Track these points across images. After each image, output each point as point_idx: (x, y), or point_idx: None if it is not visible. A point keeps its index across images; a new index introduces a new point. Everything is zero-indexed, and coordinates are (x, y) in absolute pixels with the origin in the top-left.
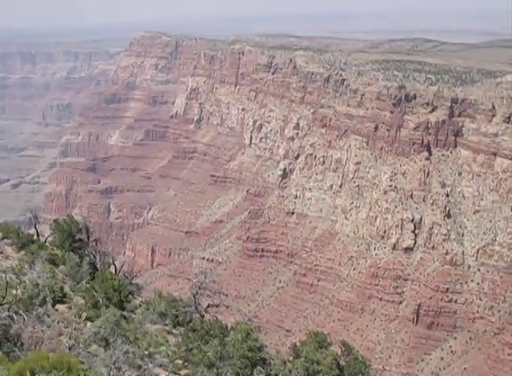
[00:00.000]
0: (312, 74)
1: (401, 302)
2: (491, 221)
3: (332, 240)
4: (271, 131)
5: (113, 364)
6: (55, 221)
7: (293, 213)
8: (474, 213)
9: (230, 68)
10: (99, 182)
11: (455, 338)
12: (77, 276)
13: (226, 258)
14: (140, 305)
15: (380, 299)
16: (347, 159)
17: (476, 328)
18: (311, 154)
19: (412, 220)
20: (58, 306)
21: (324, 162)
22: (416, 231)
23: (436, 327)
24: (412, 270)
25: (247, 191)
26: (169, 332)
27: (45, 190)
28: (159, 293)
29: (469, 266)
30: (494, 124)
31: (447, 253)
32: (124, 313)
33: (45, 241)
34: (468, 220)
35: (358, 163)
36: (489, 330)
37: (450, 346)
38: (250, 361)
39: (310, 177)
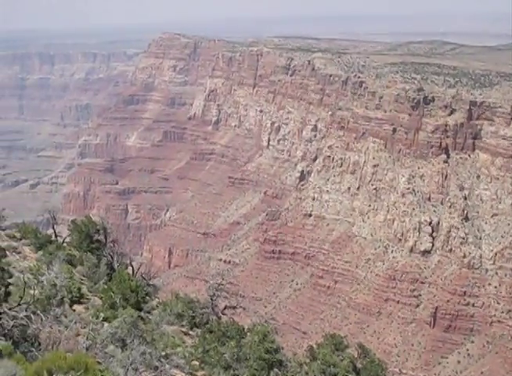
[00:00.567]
0: (331, 76)
1: (418, 305)
2: (509, 224)
3: (349, 242)
4: (289, 133)
5: (130, 365)
6: (73, 221)
7: (310, 215)
8: (491, 216)
9: (248, 70)
10: (117, 183)
11: (472, 342)
12: (95, 277)
13: (243, 259)
14: (157, 306)
15: (397, 302)
16: (364, 161)
17: (493, 332)
18: (328, 156)
19: (430, 223)
20: (75, 307)
21: (342, 164)
22: (434, 234)
23: (453, 331)
24: (430, 273)
25: (265, 193)
26: (186, 333)
27: (62, 191)
28: (176, 294)
29: (486, 270)
30: None
31: (464, 256)
32: (141, 314)
33: (63, 242)
34: (486, 223)
35: (375, 165)
36: (507, 334)
37: (467, 350)
38: (266, 363)
39: (328, 179)
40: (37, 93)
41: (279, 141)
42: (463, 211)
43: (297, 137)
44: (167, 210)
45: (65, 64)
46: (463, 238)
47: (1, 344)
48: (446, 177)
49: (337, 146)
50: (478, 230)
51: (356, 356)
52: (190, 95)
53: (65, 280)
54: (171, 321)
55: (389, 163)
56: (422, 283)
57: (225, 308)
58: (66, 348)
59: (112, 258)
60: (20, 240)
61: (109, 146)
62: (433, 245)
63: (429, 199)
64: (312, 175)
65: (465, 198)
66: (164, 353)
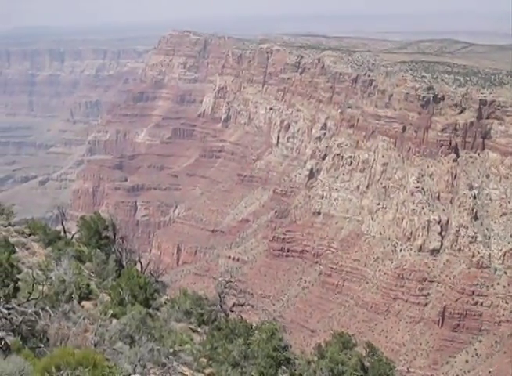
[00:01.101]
0: (340, 74)
1: (426, 304)
2: None
3: (358, 240)
4: (298, 131)
5: (138, 362)
6: (82, 218)
7: (319, 213)
8: (501, 216)
9: (258, 67)
10: (126, 179)
11: (480, 341)
12: (104, 274)
13: (252, 257)
14: (165, 303)
15: (406, 301)
16: (374, 160)
17: (501, 331)
18: (338, 155)
19: (439, 222)
20: (84, 303)
21: (351, 163)
22: (443, 233)
23: (461, 330)
24: (438, 272)
25: (274, 191)
26: (194, 330)
27: (72, 187)
28: (184, 291)
29: (495, 269)
30: None
31: (473, 255)
32: (150, 311)
33: (72, 238)
34: (495, 223)
35: (385, 164)
36: None
37: (475, 349)
38: (274, 361)
39: (337, 177)
40: (47, 90)
41: (288, 139)
42: (473, 210)
43: (307, 135)
44: (176, 207)
45: (75, 61)
46: (472, 237)
47: (9, 339)
48: (455, 176)
49: (346, 145)
50: (487, 229)
51: (364, 355)
52: (200, 93)
53: (74, 276)
54: (179, 318)
55: (398, 161)
56: (430, 282)
57: (233, 305)
58: (75, 345)
59: (121, 254)
60: (29, 236)
61: (118, 142)
62: (442, 244)
63: (438, 198)
64: (321, 173)
65: (474, 197)
66: (172, 350)
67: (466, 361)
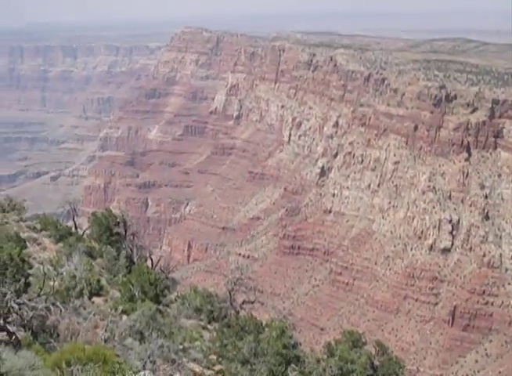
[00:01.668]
0: (353, 72)
1: (436, 304)
2: None
3: (369, 239)
4: (310, 128)
5: (148, 358)
6: (93, 214)
7: (330, 211)
8: None
9: (270, 65)
10: (138, 176)
11: (490, 341)
12: (114, 270)
13: (262, 254)
14: (176, 300)
15: (416, 300)
16: (385, 158)
17: None
18: (349, 153)
19: (450, 221)
20: (94, 299)
21: (362, 161)
22: (454, 232)
23: (471, 330)
24: (449, 272)
25: (285, 188)
26: (204, 327)
27: (83, 183)
28: (194, 288)
29: (506, 269)
30: None
31: (484, 255)
32: (160, 307)
33: (83, 234)
34: (507, 222)
35: (396, 162)
36: None
37: (485, 349)
38: (284, 358)
39: (348, 176)
40: (59, 85)
41: (300, 136)
42: (484, 209)
43: (318, 133)
44: (187, 204)
45: (87, 57)
46: (483, 237)
47: (20, 334)
48: (467, 175)
49: (358, 143)
50: (499, 229)
51: (374, 354)
52: (212, 90)
53: (84, 272)
54: (189, 315)
55: (410, 160)
56: (441, 281)
57: (243, 302)
58: (85, 340)
59: (131, 250)
60: (41, 231)
61: (130, 139)
62: (452, 243)
63: (449, 197)
64: (333, 171)
65: (486, 197)
66: (181, 347)
67: (476, 361)
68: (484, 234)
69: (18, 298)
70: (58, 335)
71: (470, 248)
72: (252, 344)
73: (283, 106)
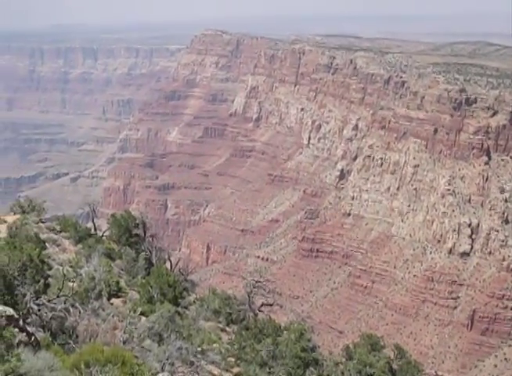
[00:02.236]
0: (372, 75)
1: (455, 307)
2: None
3: (388, 242)
4: (329, 131)
5: (167, 360)
6: (112, 215)
7: (349, 214)
8: None
9: (290, 68)
10: (157, 178)
11: (510, 346)
12: (133, 271)
13: (281, 257)
14: (194, 302)
15: (435, 304)
16: (405, 161)
17: None
18: (369, 156)
19: (470, 225)
20: (113, 300)
21: (382, 164)
22: (473, 236)
23: (490, 334)
24: (468, 275)
25: (304, 191)
26: (222, 329)
27: (103, 185)
28: (213, 290)
29: None
30: None
31: (504, 259)
32: (179, 309)
33: (102, 235)
34: None
35: (416, 166)
36: None
37: (504, 353)
38: (302, 361)
39: (367, 179)
40: (79, 87)
41: (319, 139)
42: (504, 213)
43: (338, 136)
44: (206, 206)
45: (108, 59)
46: (503, 241)
47: (39, 335)
48: (487, 179)
49: (377, 146)
50: None
51: (392, 357)
52: (232, 92)
53: (103, 273)
54: (207, 317)
55: (429, 163)
56: (460, 285)
57: (261, 305)
58: (104, 342)
59: (150, 252)
60: (60, 232)
61: (149, 141)
62: (472, 247)
63: (469, 201)
64: (352, 174)
65: (505, 201)
66: (200, 349)
67: (495, 365)
68: (503, 238)
69: (37, 299)
70: (77, 336)
71: (490, 252)
72: (270, 346)
73: (302, 109)
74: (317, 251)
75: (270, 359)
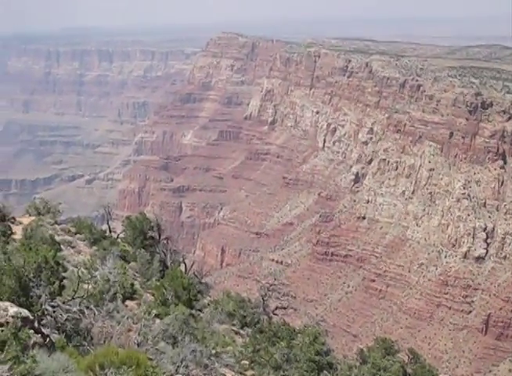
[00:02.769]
0: (388, 78)
1: (470, 312)
2: None
3: (402, 246)
4: (344, 135)
5: (181, 362)
6: (127, 218)
7: (364, 218)
8: None
9: (306, 71)
10: (172, 180)
11: None
12: (148, 273)
13: (295, 260)
14: (208, 305)
15: (449, 308)
16: (420, 165)
17: None
18: (384, 159)
19: (485, 229)
20: (127, 302)
21: (397, 168)
22: (489, 240)
23: (505, 339)
24: (483, 280)
25: (319, 194)
26: (236, 332)
27: (118, 187)
28: (227, 293)
29: None
30: None
31: None
32: (193, 312)
33: (117, 237)
34: None
35: (431, 169)
36: None
37: None
38: (316, 365)
39: (382, 182)
40: (95, 90)
41: (334, 143)
42: None
43: (353, 139)
44: (221, 209)
45: (123, 61)
46: None
47: (54, 337)
48: (502, 183)
49: (392, 149)
50: None
51: (407, 361)
52: (247, 95)
53: (118, 275)
54: (222, 320)
55: (445, 167)
56: (475, 289)
57: (276, 308)
58: (118, 344)
59: (165, 255)
60: (75, 234)
61: (165, 143)
62: (487, 251)
63: (484, 205)
64: (367, 177)
65: None
66: (214, 352)
67: (510, 370)
68: None
69: (52, 300)
70: (91, 338)
71: (505, 257)
72: (285, 350)
73: (317, 112)
74: (331, 254)
75: (284, 363)
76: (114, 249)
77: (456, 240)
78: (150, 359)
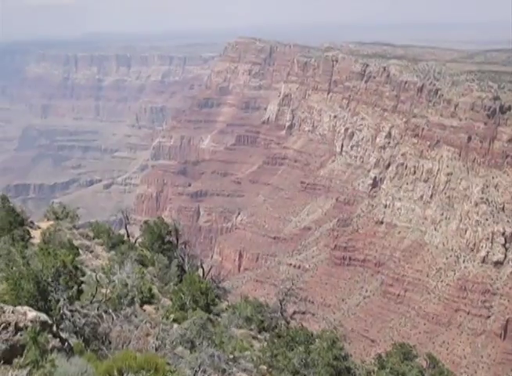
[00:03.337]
0: (406, 83)
1: (488, 317)
2: None
3: (420, 251)
4: (362, 139)
5: (199, 367)
6: (145, 222)
7: (382, 222)
8: None
9: (323, 75)
10: (190, 185)
11: None
12: (166, 278)
13: (313, 265)
14: (226, 309)
15: (468, 313)
16: (438, 170)
17: None
18: (402, 164)
19: (503, 234)
20: (145, 307)
21: (415, 172)
22: (507, 245)
23: None
24: (502, 285)
25: (337, 199)
26: (254, 337)
27: (136, 192)
28: (245, 298)
29: None
30: None
31: None
32: (211, 316)
33: (135, 242)
34: None
35: (449, 174)
36: None
37: None
38: (334, 370)
39: (400, 187)
40: (113, 95)
41: (352, 147)
42: None
43: (371, 143)
44: (239, 213)
45: (141, 66)
46: None
47: (72, 341)
48: None
49: (410, 154)
50: None
51: (425, 366)
52: (264, 100)
53: (136, 280)
54: (239, 324)
55: (463, 172)
56: (493, 294)
57: (294, 313)
58: (136, 348)
59: (183, 259)
60: (93, 239)
61: (182, 148)
62: (505, 256)
63: (503, 209)
64: (385, 182)
65: None
66: (232, 356)
67: None
68: None
69: (71, 304)
70: (109, 342)
71: None
72: (302, 354)
73: (335, 117)
74: (349, 259)
75: (302, 367)
76: (132, 253)
77: (474, 244)
78: (168, 364)
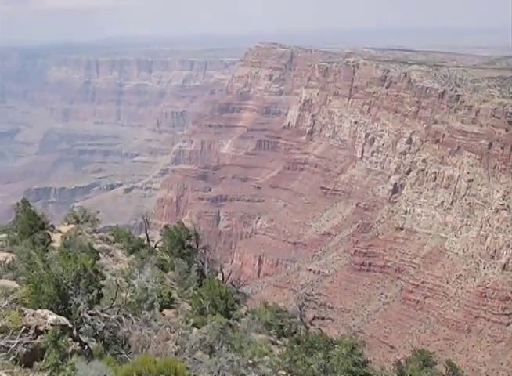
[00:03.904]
0: (427, 88)
1: (509, 324)
2: None
3: (440, 257)
4: (383, 145)
5: (218, 371)
6: (165, 227)
7: (402, 228)
8: None
9: (344, 81)
10: (210, 190)
11: None
12: (185, 283)
13: (333, 270)
14: (246, 314)
15: (488, 320)
16: (459, 176)
17: None
18: (422, 170)
19: None
20: (165, 311)
21: (436, 178)
22: None
23: None
24: None
25: (357, 205)
26: (273, 342)
27: (156, 196)
28: (264, 303)
29: None
30: None
31: None
32: (230, 321)
33: (155, 246)
34: None
35: (470, 180)
36: None
37: None
38: None
39: (421, 193)
40: (134, 99)
41: (372, 153)
42: None
43: (391, 149)
44: (259, 218)
45: (162, 71)
46: None
47: (92, 345)
48: None
49: (431, 160)
50: None
51: (444, 373)
52: (285, 105)
53: (156, 284)
54: (259, 329)
55: (484, 178)
56: None
57: (313, 318)
58: (156, 352)
59: (203, 264)
60: (114, 243)
61: (203, 153)
62: None
63: None
64: (405, 188)
65: None
66: (251, 361)
67: None
68: None
69: (91, 308)
70: (129, 347)
71: None
72: (322, 360)
73: (356, 122)
74: (369, 265)
75: (321, 373)
76: (152, 258)
77: (494, 251)
78: (187, 369)
